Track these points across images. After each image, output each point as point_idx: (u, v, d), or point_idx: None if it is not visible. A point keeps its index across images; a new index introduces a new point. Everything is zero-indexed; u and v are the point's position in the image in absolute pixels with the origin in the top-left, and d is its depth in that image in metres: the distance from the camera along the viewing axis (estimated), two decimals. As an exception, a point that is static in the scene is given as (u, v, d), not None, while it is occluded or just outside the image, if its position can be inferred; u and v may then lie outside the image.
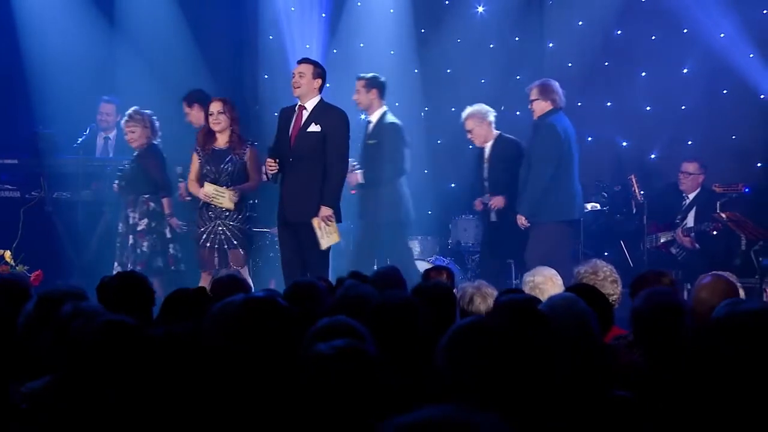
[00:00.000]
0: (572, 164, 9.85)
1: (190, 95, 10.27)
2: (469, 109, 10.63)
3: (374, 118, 10.37)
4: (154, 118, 10.11)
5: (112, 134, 11.55)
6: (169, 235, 10.07)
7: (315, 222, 8.82)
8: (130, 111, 10.07)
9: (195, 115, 10.18)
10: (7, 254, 9.47)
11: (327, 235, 8.83)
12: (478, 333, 2.86)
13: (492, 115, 10.63)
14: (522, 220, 9.78)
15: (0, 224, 10.24)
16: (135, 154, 10.11)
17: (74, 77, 11.62)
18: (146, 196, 10.02)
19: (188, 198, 9.98)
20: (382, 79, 10.50)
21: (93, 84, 11.71)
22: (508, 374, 2.79)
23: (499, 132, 10.63)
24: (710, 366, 3.26)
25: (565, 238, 9.94)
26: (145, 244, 9.93)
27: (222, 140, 9.26)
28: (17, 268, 9.37)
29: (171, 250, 10.06)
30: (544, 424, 2.96)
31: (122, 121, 10.15)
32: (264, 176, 9.13)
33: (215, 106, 9.23)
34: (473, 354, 2.81)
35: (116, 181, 10.18)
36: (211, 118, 9.20)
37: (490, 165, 10.60)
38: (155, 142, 10.14)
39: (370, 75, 10.48)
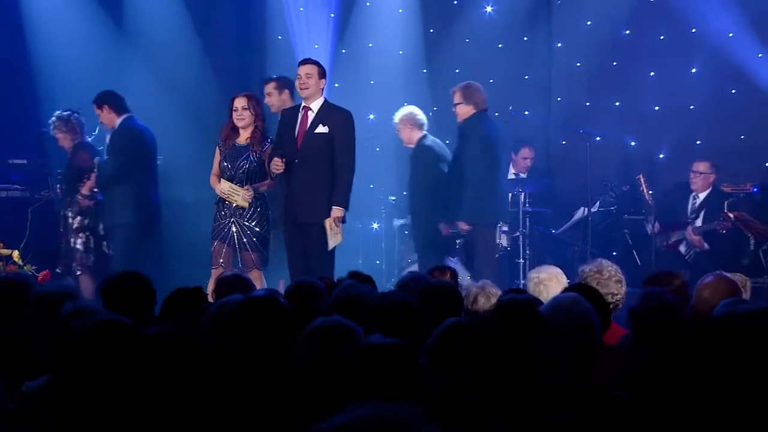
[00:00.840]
0: (500, 168, 9.91)
1: (98, 97, 10.23)
2: (402, 110, 10.82)
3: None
4: (74, 118, 10.31)
5: (122, 134, 11.59)
6: (102, 233, 10.18)
7: (327, 223, 8.87)
8: (52, 118, 10.28)
9: (106, 116, 10.20)
10: (15, 254, 9.48)
11: (334, 236, 8.89)
12: (461, 334, 2.86)
13: (421, 119, 10.77)
14: (462, 226, 9.86)
15: (8, 224, 10.24)
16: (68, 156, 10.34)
17: (82, 77, 11.62)
18: (80, 195, 10.18)
19: (89, 201, 10.12)
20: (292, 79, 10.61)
21: (101, 84, 11.69)
22: (493, 374, 2.80)
23: (423, 134, 10.72)
24: (708, 366, 3.26)
25: (488, 239, 10.06)
26: (79, 241, 10.05)
27: (243, 136, 9.16)
28: (25, 267, 9.39)
29: (104, 248, 10.18)
30: (542, 425, 2.97)
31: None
32: (269, 177, 9.10)
33: (240, 102, 9.15)
34: (456, 355, 2.81)
35: (58, 185, 10.30)
36: (235, 114, 9.12)
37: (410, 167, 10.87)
38: (87, 140, 10.40)
39: (281, 77, 10.46)
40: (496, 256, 10.23)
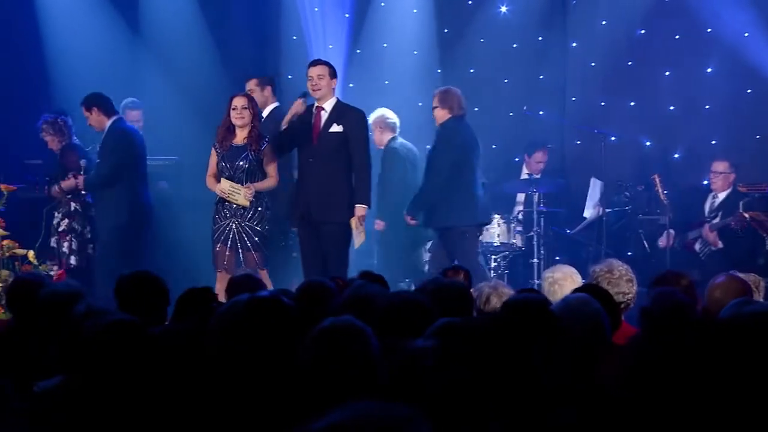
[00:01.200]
0: (470, 171, 9.87)
1: (87, 99, 10.27)
2: (374, 113, 11.02)
3: (265, 113, 10.33)
4: (61, 119, 10.40)
5: (138, 135, 11.69)
6: (88, 236, 10.26)
7: (353, 222, 8.94)
8: (39, 122, 10.42)
9: (95, 119, 10.24)
10: (31, 254, 9.52)
11: (359, 234, 8.95)
12: (451, 334, 2.87)
13: (392, 121, 10.99)
14: (407, 219, 9.94)
15: (24, 224, 10.28)
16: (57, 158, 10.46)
17: (97, 79, 11.66)
18: (69, 196, 10.28)
19: (60, 194, 10.21)
20: (271, 75, 10.66)
21: (115, 84, 11.77)
22: (491, 374, 2.80)
23: (392, 136, 10.91)
24: (714, 368, 3.25)
25: (475, 241, 10.06)
26: (65, 244, 10.10)
27: (240, 136, 9.15)
28: (40, 267, 9.44)
29: (89, 251, 10.21)
30: (542, 425, 2.97)
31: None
32: (284, 123, 9.03)
33: (240, 101, 9.14)
34: (452, 356, 2.82)
35: (46, 186, 10.35)
36: (234, 113, 9.11)
37: None
38: (75, 141, 10.49)
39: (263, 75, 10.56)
40: (479, 259, 10.19)
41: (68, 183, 10.18)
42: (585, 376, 3.79)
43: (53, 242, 10.16)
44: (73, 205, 10.25)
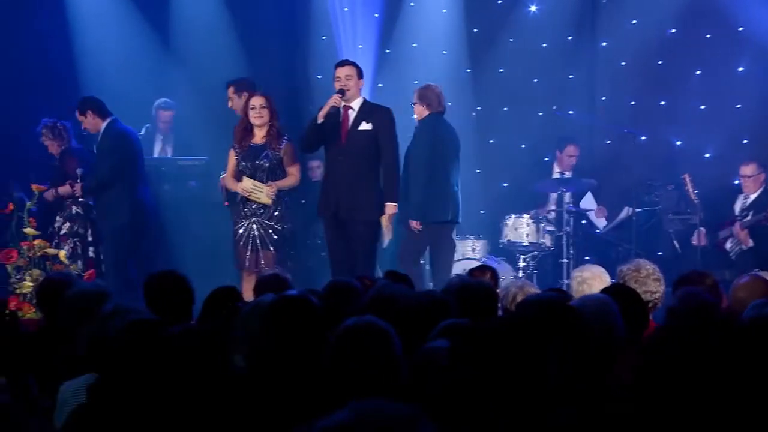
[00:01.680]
0: (446, 168, 9.81)
1: (81, 103, 10.30)
2: None
3: None
4: (60, 124, 10.44)
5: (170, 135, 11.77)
6: (90, 238, 10.26)
7: (384, 220, 9.00)
8: (39, 126, 10.48)
9: (90, 122, 10.24)
10: (62, 254, 9.60)
11: (388, 233, 9.01)
12: (454, 334, 2.88)
13: None
14: (414, 224, 9.69)
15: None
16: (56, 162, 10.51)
17: (126, 79, 11.75)
18: (70, 200, 10.28)
19: (54, 197, 10.21)
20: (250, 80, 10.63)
21: (146, 84, 11.84)
22: (494, 375, 2.80)
23: None
24: (734, 368, 3.24)
25: (438, 239, 9.90)
26: (66, 247, 10.09)
27: (259, 135, 9.21)
28: (71, 267, 9.50)
29: (90, 253, 10.23)
30: (542, 425, 2.96)
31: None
32: (320, 117, 9.02)
33: (258, 101, 9.19)
34: (456, 354, 2.83)
35: (47, 189, 10.39)
36: (252, 112, 9.16)
37: None
38: (74, 145, 10.51)
39: (239, 80, 10.48)
40: (454, 257, 10.14)
41: (64, 189, 10.19)
42: (596, 376, 3.77)
43: (53, 245, 10.16)
44: (74, 208, 10.25)
